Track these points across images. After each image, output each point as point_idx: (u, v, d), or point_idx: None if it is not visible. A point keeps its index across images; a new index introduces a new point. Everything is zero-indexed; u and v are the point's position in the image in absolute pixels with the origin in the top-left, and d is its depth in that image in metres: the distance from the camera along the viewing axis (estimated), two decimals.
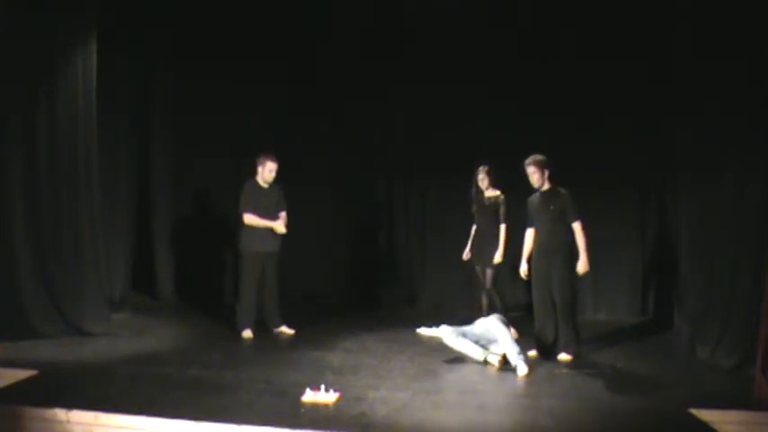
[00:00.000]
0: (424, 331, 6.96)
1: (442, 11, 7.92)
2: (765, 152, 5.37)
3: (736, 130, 5.70)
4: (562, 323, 5.88)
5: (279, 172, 6.68)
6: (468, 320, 6.11)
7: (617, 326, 7.54)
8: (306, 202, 7.96)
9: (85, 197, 6.66)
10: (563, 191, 5.99)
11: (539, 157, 6.01)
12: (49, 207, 6.34)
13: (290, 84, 8.61)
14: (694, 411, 4.42)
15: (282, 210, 6.75)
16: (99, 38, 6.79)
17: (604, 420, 4.41)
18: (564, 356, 5.85)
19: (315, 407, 4.40)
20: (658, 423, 4.41)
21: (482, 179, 6.83)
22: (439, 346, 6.08)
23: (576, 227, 5.89)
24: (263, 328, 6.74)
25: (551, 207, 5.93)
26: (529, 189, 6.10)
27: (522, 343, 5.76)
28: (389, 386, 4.97)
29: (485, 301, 6.73)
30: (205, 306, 7.96)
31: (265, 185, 6.68)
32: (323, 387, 4.58)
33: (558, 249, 5.90)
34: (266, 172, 6.63)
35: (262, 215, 6.60)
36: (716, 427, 4.21)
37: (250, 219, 6.59)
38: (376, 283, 8.76)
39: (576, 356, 5.88)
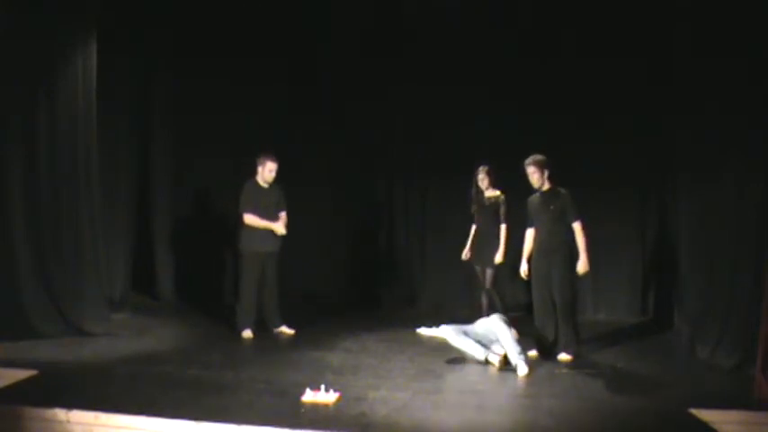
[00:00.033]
0: (424, 331, 6.96)
1: (442, 11, 7.92)
2: (765, 152, 5.37)
3: (736, 130, 5.70)
4: (562, 323, 5.89)
5: (279, 172, 6.67)
6: (468, 320, 6.11)
7: (617, 326, 7.54)
8: (306, 202, 7.96)
9: (85, 197, 6.66)
10: (563, 191, 6.00)
11: (539, 157, 6.01)
12: (49, 207, 6.34)
13: (290, 84, 8.60)
14: (694, 411, 4.43)
15: (282, 210, 6.74)
16: (99, 38, 6.79)
17: (604, 420, 4.41)
18: (564, 356, 5.85)
19: (315, 407, 4.40)
20: (658, 423, 4.41)
21: (482, 179, 6.83)
22: (439, 346, 6.08)
23: (576, 227, 5.89)
24: (263, 328, 6.74)
25: (551, 207, 5.93)
26: (529, 189, 6.11)
27: (523, 343, 5.76)
28: (389, 386, 4.97)
29: (485, 301, 6.72)
30: (205, 306, 7.95)
31: (265, 185, 6.68)
32: (323, 387, 4.59)
33: (557, 249, 5.90)
34: (266, 172, 6.63)
35: (262, 215, 6.60)
36: (716, 427, 4.22)
37: (250, 219, 6.59)
38: (376, 283, 8.76)
39: (576, 356, 5.88)
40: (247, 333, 6.62)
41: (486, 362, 5.64)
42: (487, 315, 6.17)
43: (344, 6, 8.29)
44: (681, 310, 6.86)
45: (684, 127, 6.70)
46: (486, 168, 6.83)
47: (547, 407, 4.60)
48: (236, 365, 5.52)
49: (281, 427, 3.97)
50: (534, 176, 6.00)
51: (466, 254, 7.02)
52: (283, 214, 6.74)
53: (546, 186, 6.02)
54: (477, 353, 5.69)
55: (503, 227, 6.71)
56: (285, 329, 6.79)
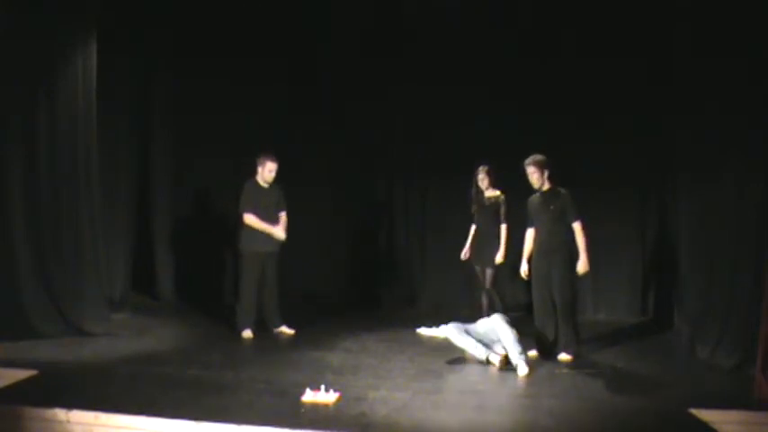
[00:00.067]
0: (424, 331, 6.96)
1: (442, 11, 7.92)
2: (765, 152, 5.37)
3: (736, 130, 5.70)
4: (562, 323, 5.89)
5: (279, 172, 6.67)
6: (469, 320, 6.10)
7: (617, 326, 7.54)
8: (306, 202, 7.96)
9: (85, 197, 6.66)
10: (563, 191, 6.00)
11: (538, 157, 6.01)
12: (49, 207, 6.33)
13: (290, 84, 8.60)
14: (694, 411, 4.43)
15: (282, 210, 6.75)
16: (99, 38, 6.78)
17: (604, 420, 4.41)
18: (564, 356, 5.85)
19: (315, 407, 4.40)
20: (658, 423, 4.41)
21: (482, 179, 6.83)
22: (439, 346, 6.08)
23: (576, 227, 5.89)
24: (263, 328, 6.73)
25: (551, 207, 5.93)
26: (529, 189, 6.11)
27: (523, 343, 5.76)
28: (389, 386, 4.97)
29: (485, 301, 6.72)
30: (205, 306, 7.95)
31: (265, 185, 6.68)
32: (323, 387, 4.58)
33: (557, 249, 5.90)
34: (266, 172, 6.63)
35: (262, 215, 6.60)
36: (716, 427, 4.21)
37: (250, 219, 6.59)
38: (376, 283, 8.76)
39: (576, 356, 5.88)
40: (247, 333, 6.62)
41: (488, 362, 5.64)
42: (488, 315, 6.16)
43: (344, 6, 8.29)
44: (681, 310, 6.86)
45: (684, 127, 6.70)
46: (486, 168, 6.83)
47: (547, 407, 4.59)
48: (236, 365, 5.52)
49: (281, 427, 3.97)
50: (534, 176, 5.99)
51: (465, 253, 7.02)
52: (283, 215, 6.74)
53: (546, 186, 6.02)
54: (479, 352, 5.69)
55: (503, 227, 6.72)
56: (285, 329, 6.79)
